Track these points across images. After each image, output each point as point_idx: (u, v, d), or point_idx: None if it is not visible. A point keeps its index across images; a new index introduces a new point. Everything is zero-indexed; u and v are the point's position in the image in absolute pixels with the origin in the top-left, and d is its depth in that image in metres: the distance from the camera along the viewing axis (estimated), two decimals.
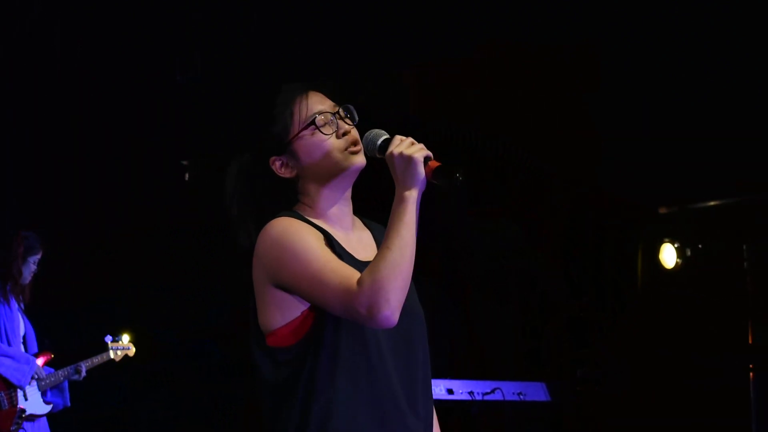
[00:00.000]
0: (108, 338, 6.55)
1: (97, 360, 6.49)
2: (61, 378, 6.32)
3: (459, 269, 10.77)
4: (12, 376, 5.97)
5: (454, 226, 10.76)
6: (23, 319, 6.30)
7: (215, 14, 10.44)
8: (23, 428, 6.12)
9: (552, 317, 10.78)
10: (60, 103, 9.80)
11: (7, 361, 5.96)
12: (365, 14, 10.74)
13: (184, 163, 9.70)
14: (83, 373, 6.32)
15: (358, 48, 10.86)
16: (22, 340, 6.23)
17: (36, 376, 6.16)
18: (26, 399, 6.08)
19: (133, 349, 6.67)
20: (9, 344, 6.06)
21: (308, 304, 2.96)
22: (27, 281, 6.38)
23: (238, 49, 10.52)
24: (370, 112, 4.04)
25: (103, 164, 9.70)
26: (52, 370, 6.33)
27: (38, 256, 6.44)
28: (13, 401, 5.99)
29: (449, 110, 11.13)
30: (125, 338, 6.66)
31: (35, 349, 6.36)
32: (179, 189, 9.91)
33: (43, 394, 6.28)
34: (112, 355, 6.50)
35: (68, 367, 6.35)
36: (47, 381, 6.20)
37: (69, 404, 6.35)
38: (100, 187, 9.61)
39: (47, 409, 6.22)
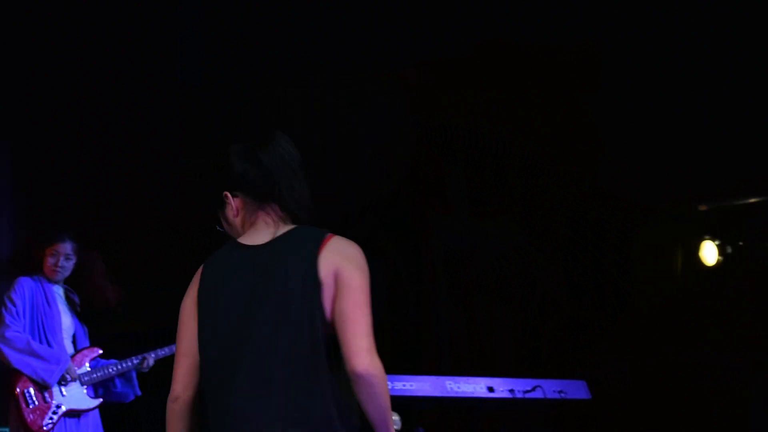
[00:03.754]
0: None
1: (163, 352, 6.58)
2: (123, 369, 6.46)
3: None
4: (36, 375, 6.15)
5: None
6: (72, 317, 6.50)
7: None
8: (64, 423, 6.29)
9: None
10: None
11: (33, 361, 6.13)
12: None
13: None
14: (150, 363, 6.44)
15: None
16: (71, 339, 6.44)
17: (72, 374, 6.30)
18: (63, 395, 6.23)
19: None
20: (48, 343, 6.25)
21: None
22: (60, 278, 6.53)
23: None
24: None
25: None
26: (112, 361, 6.48)
27: (70, 254, 6.53)
28: (45, 398, 6.16)
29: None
30: None
31: (86, 343, 6.54)
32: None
33: (107, 385, 6.49)
34: None
35: (133, 358, 6.46)
36: (92, 376, 6.34)
37: (139, 393, 6.51)
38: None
39: (93, 403, 6.33)
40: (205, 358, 3.31)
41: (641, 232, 10.70)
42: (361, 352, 3.24)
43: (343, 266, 3.29)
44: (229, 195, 3.43)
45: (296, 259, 3.28)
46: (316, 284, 3.26)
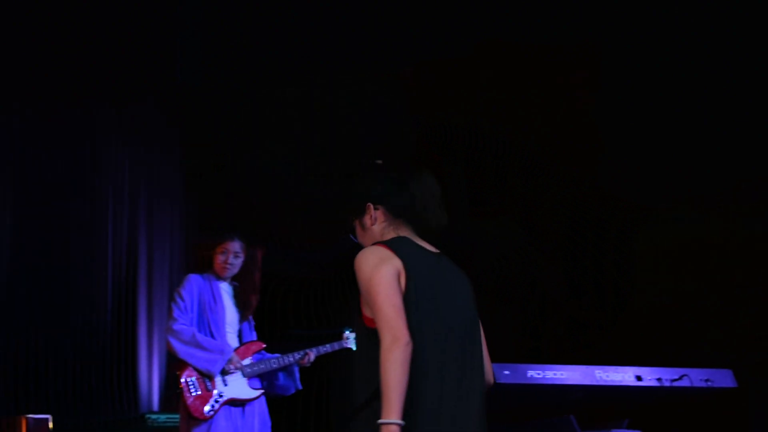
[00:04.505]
0: (347, 332, 6.88)
1: (325, 349, 6.78)
2: (284, 363, 6.78)
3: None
4: (199, 365, 6.52)
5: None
6: (236, 311, 6.78)
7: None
8: (228, 411, 6.62)
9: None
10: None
11: (198, 352, 6.51)
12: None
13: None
14: (311, 359, 6.71)
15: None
16: (237, 333, 6.74)
17: (236, 365, 6.65)
18: (225, 384, 6.57)
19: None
20: (213, 336, 6.61)
21: None
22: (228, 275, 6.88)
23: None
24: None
25: None
26: (275, 355, 6.81)
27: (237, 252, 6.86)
28: (208, 387, 6.52)
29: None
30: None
31: (252, 337, 6.90)
32: None
33: (270, 377, 6.81)
34: (348, 344, 6.86)
35: (295, 353, 6.73)
36: (254, 368, 6.65)
37: (300, 387, 6.81)
38: None
39: (254, 394, 6.62)
40: (429, 338, 3.72)
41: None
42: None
43: None
44: (371, 206, 3.96)
45: (462, 275, 4.02)
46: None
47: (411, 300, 3.72)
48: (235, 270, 6.76)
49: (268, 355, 6.78)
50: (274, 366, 6.71)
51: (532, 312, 10.86)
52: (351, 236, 4.06)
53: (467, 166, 10.92)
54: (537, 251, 10.96)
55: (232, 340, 6.72)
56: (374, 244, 3.84)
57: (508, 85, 10.88)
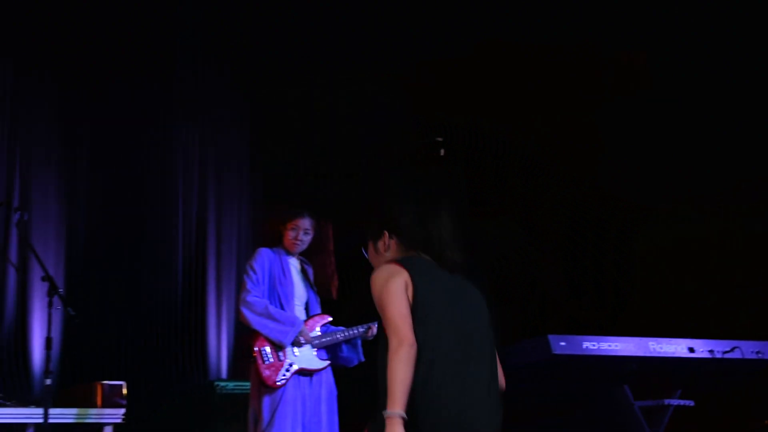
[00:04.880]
0: None
1: None
2: (349, 336, 6.93)
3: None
4: (272, 336, 6.75)
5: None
6: (306, 287, 7.04)
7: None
8: (297, 380, 6.85)
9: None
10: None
11: (270, 323, 6.75)
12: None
13: (439, 139, 10.32)
14: (374, 332, 6.90)
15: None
16: (304, 306, 6.99)
17: (305, 337, 6.90)
18: (296, 355, 6.80)
19: None
20: (282, 308, 6.86)
21: None
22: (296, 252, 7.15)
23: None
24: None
25: None
26: (340, 328, 6.96)
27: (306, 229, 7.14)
28: (279, 357, 6.75)
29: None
30: None
31: (318, 311, 7.07)
32: None
33: (335, 349, 7.04)
34: None
35: (359, 326, 6.95)
36: (321, 340, 6.88)
37: (363, 359, 7.01)
38: None
39: (321, 364, 6.86)
40: (441, 342, 4.10)
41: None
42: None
43: None
44: (387, 234, 4.36)
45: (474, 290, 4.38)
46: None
47: (419, 308, 4.12)
48: (304, 246, 6.99)
49: (333, 327, 7.00)
50: (340, 338, 6.92)
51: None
52: (363, 251, 4.47)
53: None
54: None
55: (300, 313, 6.97)
56: (387, 262, 4.24)
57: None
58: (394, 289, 4.12)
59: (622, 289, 10.78)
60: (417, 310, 4.12)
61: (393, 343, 4.01)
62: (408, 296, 4.12)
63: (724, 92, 10.23)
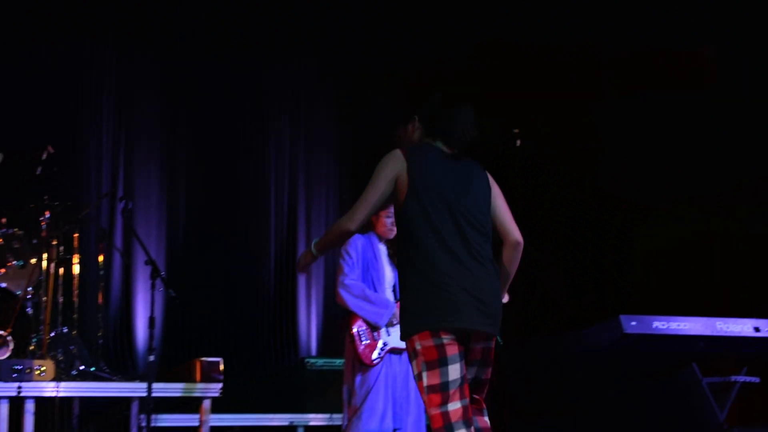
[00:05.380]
0: None
1: None
2: None
3: None
4: (368, 317, 7.06)
5: None
6: (393, 270, 7.27)
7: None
8: (389, 359, 7.18)
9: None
10: None
11: (366, 305, 7.07)
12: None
13: (516, 131, 10.36)
14: None
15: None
16: (392, 289, 7.26)
17: (397, 319, 7.17)
18: (389, 335, 7.11)
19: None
20: (375, 290, 7.18)
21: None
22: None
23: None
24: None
25: None
26: None
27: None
28: (375, 337, 7.08)
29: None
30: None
31: None
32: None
33: None
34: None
35: None
36: None
37: None
38: None
39: None
40: (430, 223, 4.65)
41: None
42: None
43: None
44: (417, 119, 5.01)
45: (480, 174, 5.05)
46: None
47: (414, 191, 4.70)
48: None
49: None
50: None
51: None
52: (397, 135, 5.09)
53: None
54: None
55: (389, 296, 7.25)
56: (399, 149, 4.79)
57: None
58: (381, 175, 4.72)
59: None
60: (411, 193, 4.68)
61: (348, 215, 4.69)
62: (399, 183, 4.71)
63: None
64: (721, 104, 10.23)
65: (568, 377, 8.62)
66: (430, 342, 4.55)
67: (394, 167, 4.70)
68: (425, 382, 4.54)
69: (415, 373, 4.61)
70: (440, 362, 4.51)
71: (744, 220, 10.26)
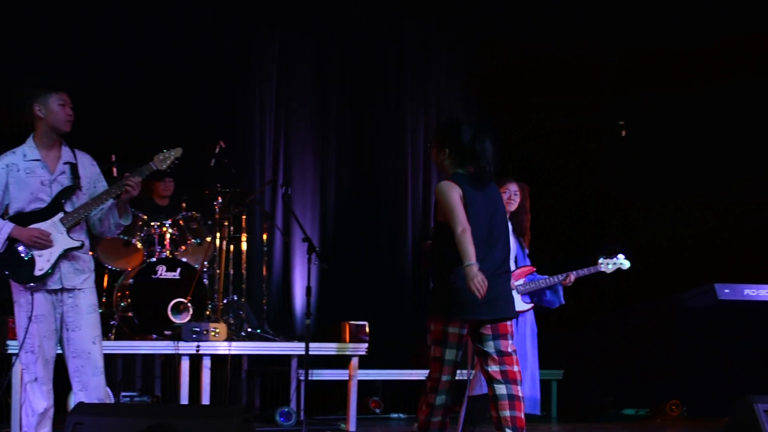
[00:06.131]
0: (601, 258, 7.86)
1: (583, 272, 7.77)
2: (550, 283, 7.70)
3: None
4: None
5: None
6: (515, 241, 7.67)
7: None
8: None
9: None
10: None
11: None
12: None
13: (621, 122, 11.24)
14: (572, 279, 7.70)
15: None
16: (513, 259, 7.57)
17: (511, 285, 7.63)
18: None
19: (627, 264, 7.92)
20: None
21: None
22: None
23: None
24: None
25: None
26: (544, 276, 7.74)
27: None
28: None
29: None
30: (620, 257, 7.90)
31: (526, 263, 7.84)
32: None
33: (539, 294, 7.76)
34: (602, 268, 7.83)
35: (559, 275, 7.72)
36: (525, 287, 7.66)
37: (563, 302, 7.80)
38: None
39: (525, 307, 7.68)
40: (475, 232, 5.69)
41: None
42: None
43: None
44: (447, 150, 5.84)
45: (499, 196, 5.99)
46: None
47: (466, 211, 5.70)
48: (513, 207, 7.70)
49: (538, 276, 7.79)
50: (542, 285, 7.71)
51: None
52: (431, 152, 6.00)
53: None
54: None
55: (512, 265, 7.48)
56: (444, 179, 5.78)
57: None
58: (454, 197, 5.68)
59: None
60: (466, 211, 5.70)
61: (458, 229, 5.62)
62: (461, 202, 5.71)
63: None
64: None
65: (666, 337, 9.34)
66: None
67: (457, 191, 5.71)
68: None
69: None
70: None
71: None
